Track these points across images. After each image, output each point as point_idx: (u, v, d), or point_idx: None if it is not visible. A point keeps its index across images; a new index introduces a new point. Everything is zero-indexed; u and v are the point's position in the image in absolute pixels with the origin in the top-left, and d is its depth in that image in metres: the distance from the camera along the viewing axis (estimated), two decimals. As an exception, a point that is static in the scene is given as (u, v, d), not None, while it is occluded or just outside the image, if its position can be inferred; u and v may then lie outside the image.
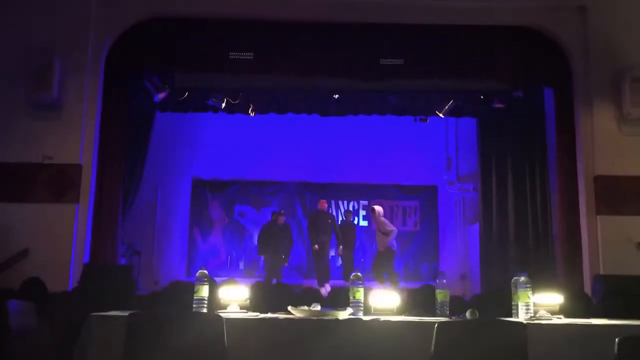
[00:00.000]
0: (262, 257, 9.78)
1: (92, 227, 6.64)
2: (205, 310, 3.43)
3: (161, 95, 8.16)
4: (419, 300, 4.91)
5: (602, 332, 3.14)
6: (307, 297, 5.45)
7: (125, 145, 7.30)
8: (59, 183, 6.50)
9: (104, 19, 6.87)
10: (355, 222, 10.75)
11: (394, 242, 9.14)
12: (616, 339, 2.56)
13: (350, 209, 10.90)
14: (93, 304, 3.93)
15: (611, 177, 6.71)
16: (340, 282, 8.84)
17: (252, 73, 7.57)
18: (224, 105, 8.77)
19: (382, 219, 9.33)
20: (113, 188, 6.99)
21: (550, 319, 3.44)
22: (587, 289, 6.42)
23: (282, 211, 9.89)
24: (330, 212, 10.61)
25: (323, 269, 9.47)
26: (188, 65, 7.31)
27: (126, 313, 2.95)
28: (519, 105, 8.58)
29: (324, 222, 9.68)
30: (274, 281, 9.00)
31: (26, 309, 4.05)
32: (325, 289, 8.35)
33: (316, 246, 9.47)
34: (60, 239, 6.37)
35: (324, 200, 10.00)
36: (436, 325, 2.83)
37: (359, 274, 3.59)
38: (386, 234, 9.07)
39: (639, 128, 6.77)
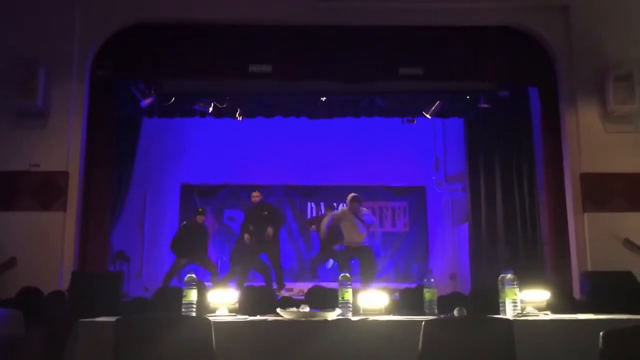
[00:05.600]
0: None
1: (80, 234, 6.60)
2: (194, 314, 3.43)
3: (148, 101, 8.14)
4: (408, 300, 4.94)
5: (587, 326, 3.18)
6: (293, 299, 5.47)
7: (113, 151, 7.26)
8: (46, 190, 6.46)
9: (88, 26, 6.83)
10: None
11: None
12: (601, 333, 2.59)
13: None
14: (82, 311, 3.92)
15: (597, 175, 6.76)
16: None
17: (238, 77, 7.59)
18: (211, 109, 8.77)
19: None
20: (101, 195, 6.95)
21: (537, 315, 3.47)
22: (575, 286, 6.48)
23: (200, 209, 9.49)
24: (268, 202, 9.97)
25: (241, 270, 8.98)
26: (174, 70, 7.28)
27: (114, 319, 2.94)
28: (505, 104, 8.65)
29: (258, 214, 9.14)
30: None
31: (12, 317, 4.03)
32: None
33: (246, 235, 8.97)
34: (48, 246, 6.32)
35: (256, 193, 9.36)
36: (423, 324, 2.84)
37: (347, 274, 3.61)
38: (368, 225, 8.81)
39: (623, 125, 6.84)
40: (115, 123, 7.31)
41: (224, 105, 8.81)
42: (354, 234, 8.74)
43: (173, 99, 8.62)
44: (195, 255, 8.91)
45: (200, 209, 9.39)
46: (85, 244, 6.67)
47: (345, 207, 9.17)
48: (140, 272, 9.89)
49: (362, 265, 8.77)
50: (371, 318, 3.37)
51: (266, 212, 9.17)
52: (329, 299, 4.85)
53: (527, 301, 3.62)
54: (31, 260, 6.21)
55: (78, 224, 6.56)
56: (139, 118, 8.65)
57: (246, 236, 8.96)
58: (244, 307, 3.85)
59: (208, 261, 9.15)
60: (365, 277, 8.52)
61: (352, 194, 8.96)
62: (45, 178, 6.48)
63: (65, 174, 6.52)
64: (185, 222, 9.43)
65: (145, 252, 10.19)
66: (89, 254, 6.70)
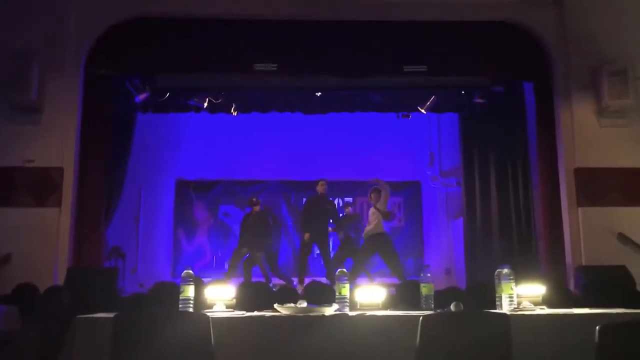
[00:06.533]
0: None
1: (75, 230, 6.59)
2: (191, 310, 3.42)
3: (142, 96, 8.10)
4: (405, 295, 4.95)
5: (583, 321, 3.20)
6: (291, 295, 5.47)
7: (107, 147, 7.24)
8: (40, 186, 6.45)
9: (83, 21, 6.81)
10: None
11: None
12: (597, 327, 2.60)
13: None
14: (78, 307, 3.91)
15: (591, 170, 6.81)
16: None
17: (233, 72, 7.57)
18: (205, 105, 8.75)
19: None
20: (96, 190, 6.94)
21: (533, 310, 3.49)
22: (570, 280, 6.51)
23: (253, 199, 9.41)
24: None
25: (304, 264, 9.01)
26: (169, 65, 7.27)
27: (112, 315, 2.94)
28: (500, 99, 8.66)
29: (317, 208, 9.03)
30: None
31: (9, 313, 4.03)
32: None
33: (307, 235, 8.85)
34: (43, 242, 6.31)
35: (323, 181, 9.18)
36: (421, 319, 2.85)
37: (344, 269, 3.61)
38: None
39: (617, 120, 6.89)
40: (109, 118, 7.28)
41: (219, 101, 8.80)
42: (374, 223, 8.49)
43: (168, 94, 8.59)
44: (255, 245, 8.91)
45: (253, 199, 9.39)
46: (80, 240, 6.66)
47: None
48: (136, 268, 9.87)
49: (385, 257, 8.51)
50: (368, 313, 3.38)
51: (330, 207, 9.21)
52: (326, 294, 4.88)
53: (523, 295, 3.64)
54: (26, 257, 6.19)
55: (73, 219, 6.55)
56: (134, 113, 8.59)
57: (306, 235, 8.90)
58: (241, 302, 3.86)
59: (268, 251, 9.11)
60: (394, 268, 8.35)
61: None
62: (40, 174, 6.46)
63: (59, 170, 6.50)
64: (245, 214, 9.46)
65: (141, 248, 10.16)
66: (84, 249, 6.69)
